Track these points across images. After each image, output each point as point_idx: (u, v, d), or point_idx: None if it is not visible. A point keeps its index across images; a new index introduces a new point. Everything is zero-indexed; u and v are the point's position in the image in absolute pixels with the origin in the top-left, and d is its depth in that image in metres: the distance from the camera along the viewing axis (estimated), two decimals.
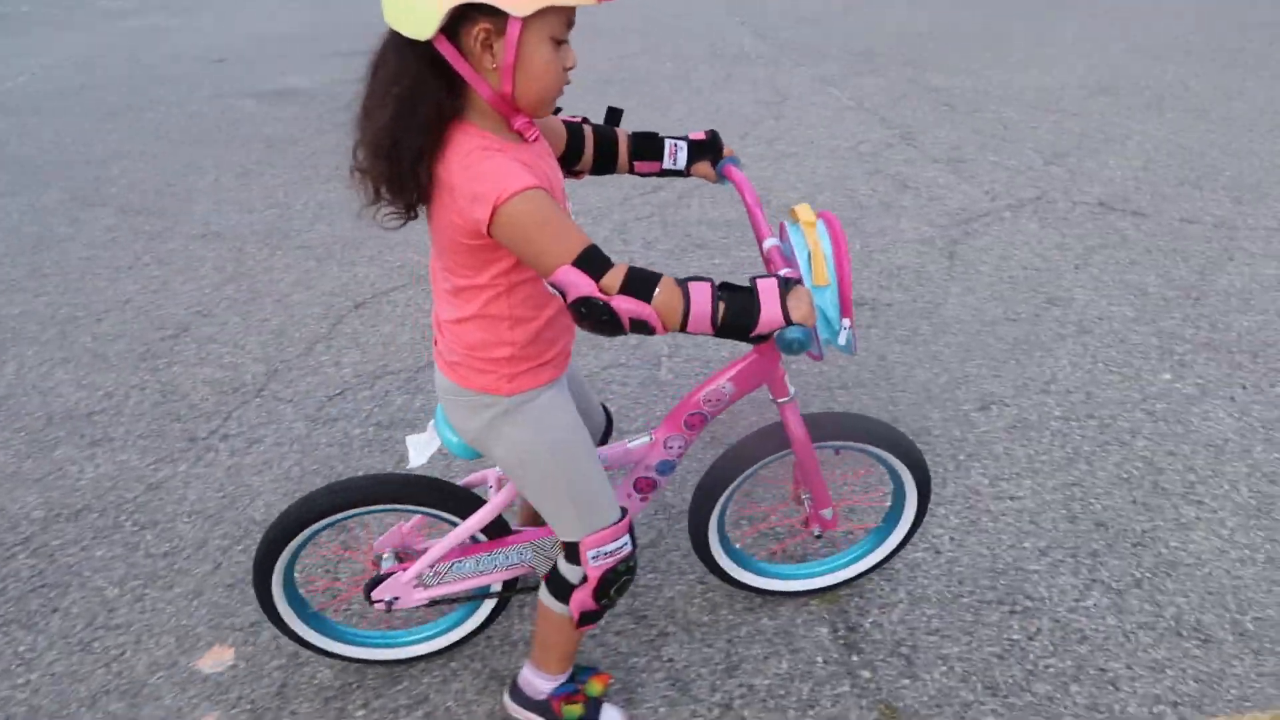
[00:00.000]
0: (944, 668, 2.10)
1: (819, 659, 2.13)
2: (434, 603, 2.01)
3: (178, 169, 5.67)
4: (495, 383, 1.55)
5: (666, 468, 1.87)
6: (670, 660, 2.16)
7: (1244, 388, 2.97)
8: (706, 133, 1.80)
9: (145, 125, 6.53)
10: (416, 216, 1.44)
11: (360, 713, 2.07)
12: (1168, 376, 3.05)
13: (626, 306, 1.29)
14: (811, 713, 2.02)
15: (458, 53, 1.28)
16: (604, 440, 2.00)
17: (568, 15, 1.29)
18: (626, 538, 1.71)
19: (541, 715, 1.95)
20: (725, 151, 1.80)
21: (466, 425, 1.64)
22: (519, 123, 1.37)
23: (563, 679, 1.95)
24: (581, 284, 1.28)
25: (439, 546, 1.89)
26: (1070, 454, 2.72)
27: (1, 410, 3.25)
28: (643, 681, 2.11)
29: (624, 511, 1.73)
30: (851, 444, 1.96)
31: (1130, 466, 2.66)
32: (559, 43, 1.31)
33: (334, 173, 5.45)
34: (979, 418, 2.89)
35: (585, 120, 1.74)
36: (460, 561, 1.92)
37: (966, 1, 8.94)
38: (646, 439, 1.86)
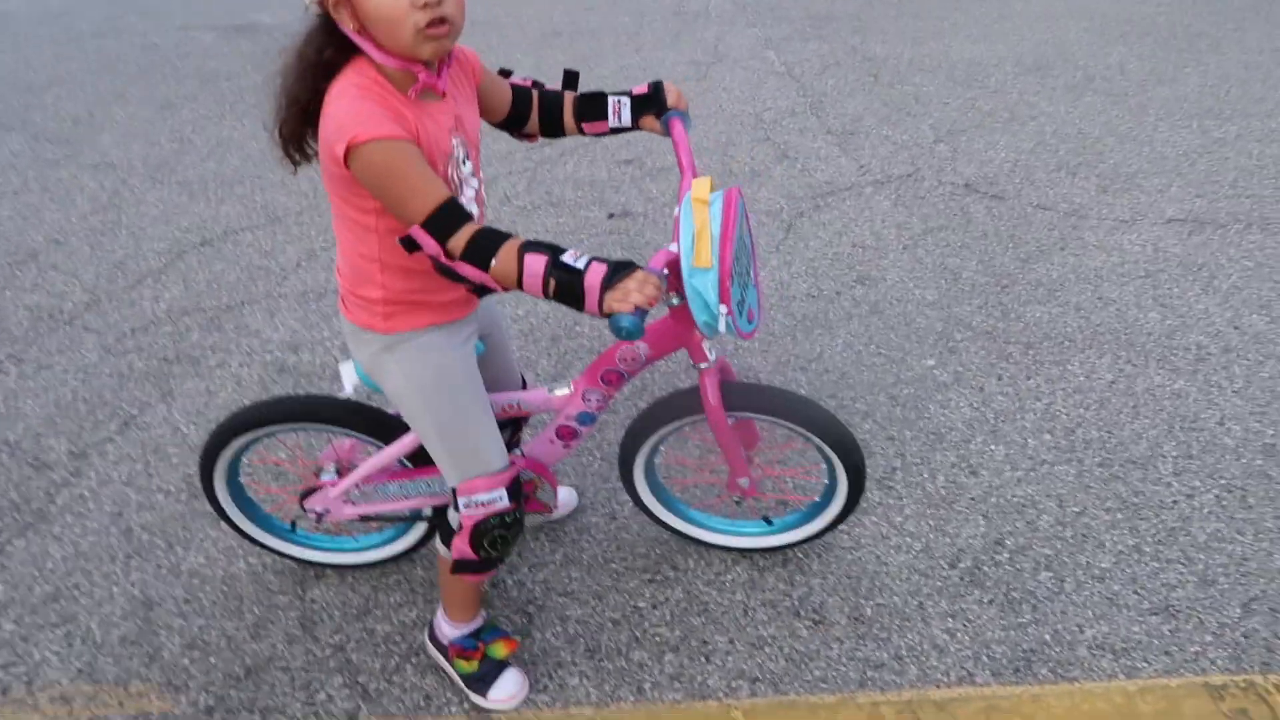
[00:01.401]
0: (558, 628, 2.17)
1: None
2: (365, 519, 2.10)
3: (105, 98, 5.83)
4: (371, 320, 1.62)
5: (587, 419, 1.91)
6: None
7: (999, 379, 2.94)
8: (649, 85, 1.77)
9: (100, 53, 6.70)
10: (308, 160, 1.51)
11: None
12: (930, 363, 3.03)
13: (467, 271, 1.36)
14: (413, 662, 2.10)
15: (333, 7, 1.36)
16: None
17: None
18: (502, 491, 1.71)
19: (444, 658, 2.02)
20: (672, 102, 1.75)
21: (359, 356, 1.71)
22: (422, 75, 1.42)
23: (465, 630, 1.98)
24: (429, 245, 1.35)
25: (363, 468, 1.97)
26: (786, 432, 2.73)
27: None
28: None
29: (509, 467, 1.74)
30: (764, 417, 1.93)
31: None
32: None
33: (251, 109, 5.56)
34: None
35: (535, 84, 1.77)
36: (385, 485, 2.01)
37: None
38: (567, 389, 1.89)
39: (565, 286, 1.34)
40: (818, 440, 1.96)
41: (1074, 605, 2.17)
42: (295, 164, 1.53)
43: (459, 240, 1.36)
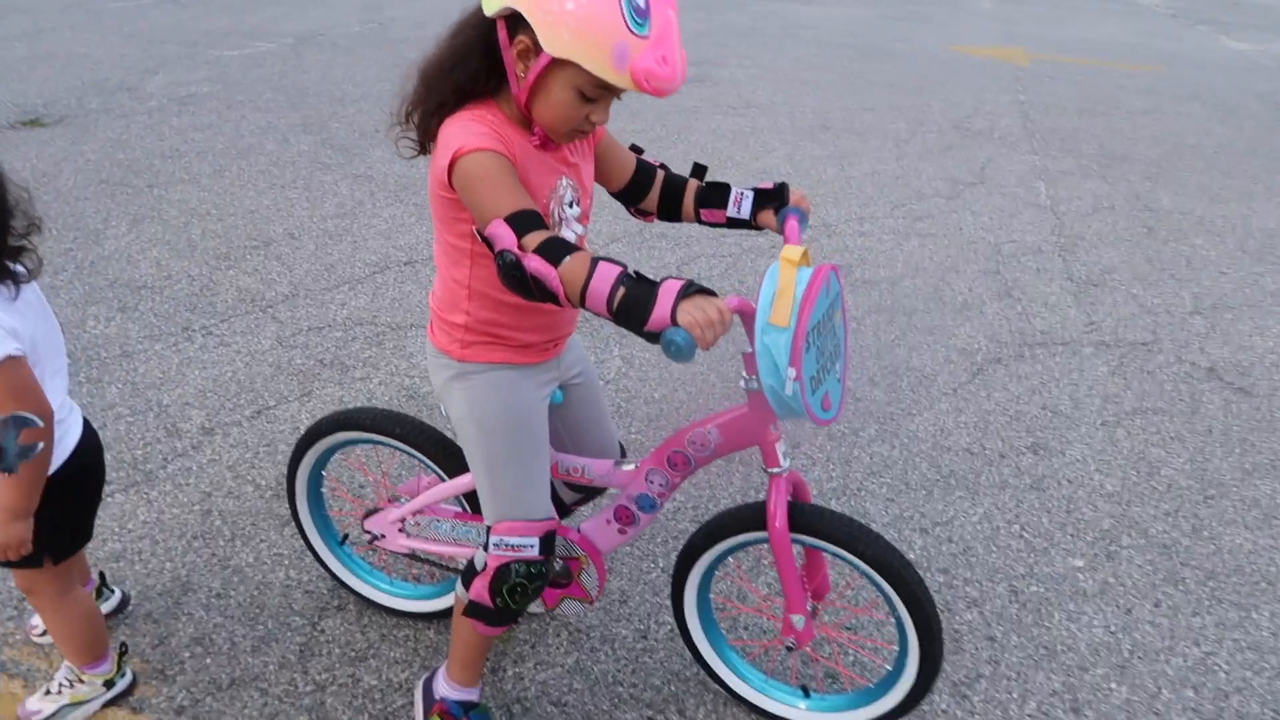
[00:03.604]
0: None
1: None
2: (414, 557, 2.15)
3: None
4: (449, 344, 1.68)
5: (647, 503, 1.81)
6: None
7: (1156, 605, 2.44)
8: (774, 183, 1.76)
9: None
10: (427, 153, 1.58)
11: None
12: (1078, 563, 2.57)
13: (534, 264, 1.33)
14: None
15: (509, 45, 1.43)
16: None
17: (596, 79, 1.38)
18: (535, 540, 1.69)
19: (424, 711, 1.95)
20: (794, 201, 1.74)
21: (434, 379, 1.76)
22: (537, 131, 1.50)
23: (460, 695, 1.91)
24: (505, 237, 1.35)
25: (423, 497, 2.03)
26: (868, 596, 2.42)
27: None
28: None
29: (550, 520, 1.74)
30: (831, 547, 1.74)
31: None
32: (588, 98, 1.42)
33: None
34: None
35: (663, 166, 1.83)
36: (439, 522, 2.03)
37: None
38: (632, 466, 1.83)
39: (633, 298, 1.30)
40: (888, 589, 1.71)
41: None
42: (418, 151, 1.59)
43: (534, 238, 1.35)
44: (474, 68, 1.47)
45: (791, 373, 1.44)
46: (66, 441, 1.71)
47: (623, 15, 1.34)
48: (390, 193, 5.07)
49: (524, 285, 1.35)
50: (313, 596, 2.32)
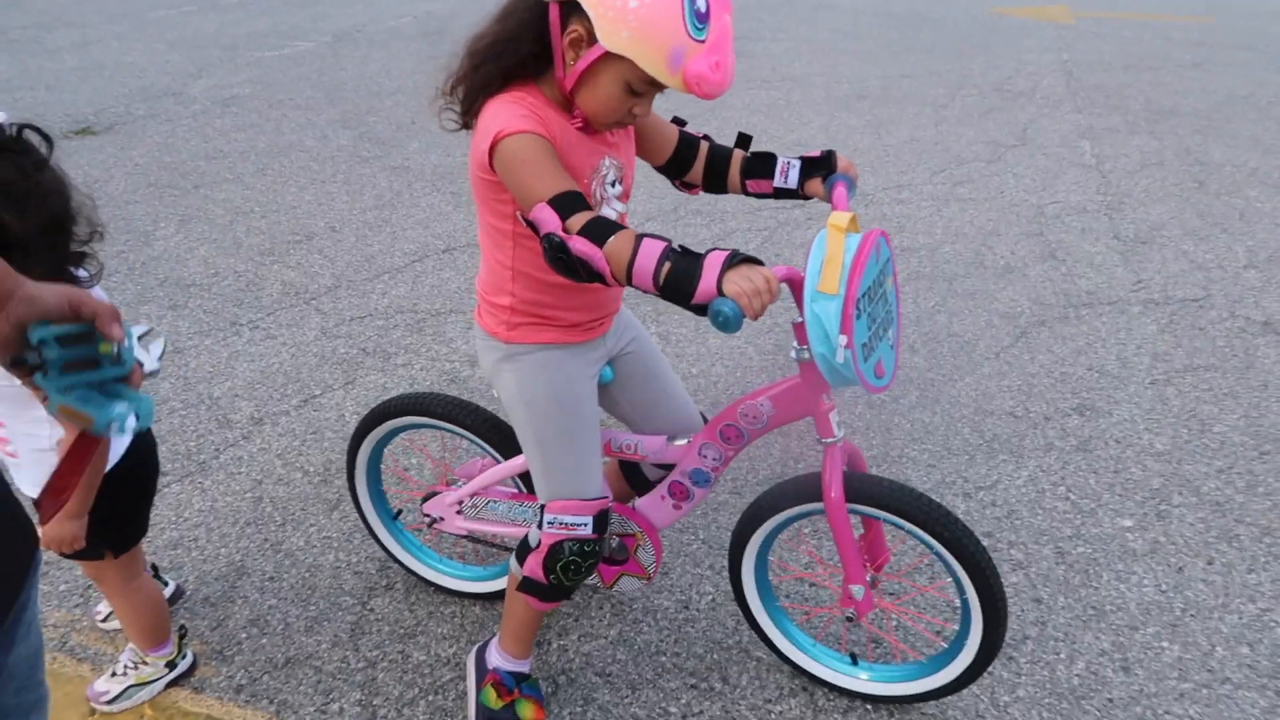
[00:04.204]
0: (579, 709, 2.04)
1: None
2: (471, 538, 2.21)
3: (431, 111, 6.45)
4: (496, 327, 1.69)
5: (701, 478, 1.83)
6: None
7: (1209, 563, 2.39)
8: (822, 151, 1.75)
9: (447, 67, 7.45)
10: (470, 128, 1.57)
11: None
12: (1127, 523, 2.53)
13: (579, 246, 1.33)
14: None
15: (560, 31, 1.44)
16: None
17: (647, 76, 1.39)
18: (588, 519, 1.71)
19: (476, 681, 1.99)
20: (841, 167, 1.72)
21: (483, 361, 1.78)
22: (577, 114, 1.51)
23: (511, 665, 1.94)
24: (550, 220, 1.36)
25: (480, 478, 2.05)
26: (928, 569, 2.41)
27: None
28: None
29: (603, 499, 1.75)
30: (887, 515, 1.72)
31: None
32: (635, 92, 1.44)
33: None
34: None
35: (706, 137, 1.82)
36: (496, 503, 2.06)
37: None
38: (685, 441, 1.83)
39: (679, 272, 1.30)
40: (949, 557, 1.70)
41: None
42: (456, 123, 1.59)
43: (578, 219, 1.35)
44: (524, 51, 1.47)
45: (843, 340, 1.43)
46: (121, 439, 1.77)
47: (684, 19, 1.34)
48: (428, 182, 5.12)
49: (570, 267, 1.36)
50: (362, 577, 2.38)
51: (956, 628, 1.89)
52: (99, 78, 7.31)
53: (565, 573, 1.73)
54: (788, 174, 1.74)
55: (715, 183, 1.80)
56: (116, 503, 1.74)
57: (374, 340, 3.51)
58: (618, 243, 1.32)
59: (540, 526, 1.74)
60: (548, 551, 1.72)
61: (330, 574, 2.39)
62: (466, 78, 1.53)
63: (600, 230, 1.33)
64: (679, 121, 1.80)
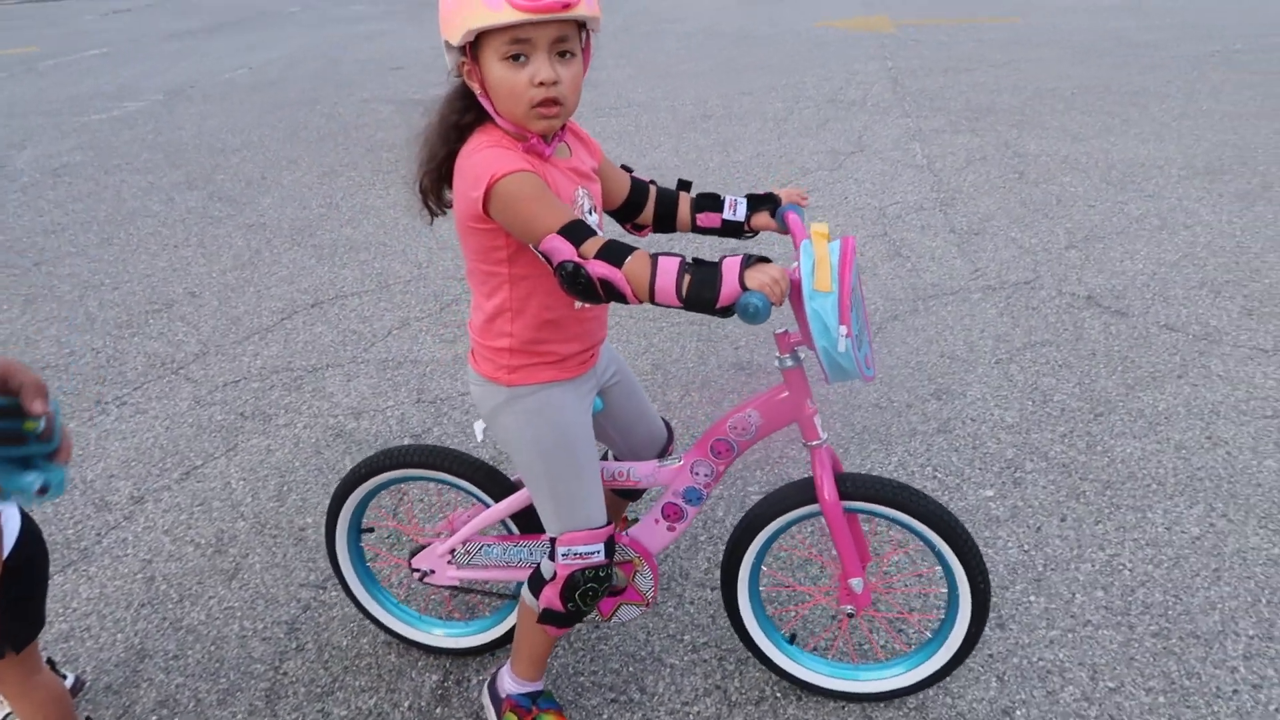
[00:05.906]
0: None
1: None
2: (464, 589, 2.20)
3: (279, 163, 6.37)
4: (496, 372, 1.72)
5: (694, 496, 1.88)
6: None
7: (1062, 520, 2.64)
8: (764, 192, 1.89)
9: (289, 121, 7.36)
10: (443, 213, 1.67)
11: None
12: (988, 493, 2.77)
13: (599, 270, 1.41)
14: None
15: (466, 73, 1.53)
16: (662, 454, 2.07)
17: (509, 34, 1.43)
18: (600, 546, 1.77)
19: (495, 713, 2.03)
20: (787, 198, 1.86)
21: (481, 408, 1.79)
22: (532, 139, 1.55)
23: (525, 688, 2.00)
24: (564, 249, 1.43)
25: (470, 525, 2.05)
26: (902, 564, 2.56)
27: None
28: None
29: (608, 523, 1.81)
30: (882, 509, 1.83)
31: None
32: (515, 59, 1.46)
33: (402, 178, 5.92)
34: None
35: (652, 182, 1.92)
36: (489, 546, 2.05)
37: (1140, 60, 8.16)
38: (677, 462, 1.89)
39: (700, 282, 1.41)
40: (940, 543, 1.82)
41: None
42: (433, 215, 1.68)
43: (592, 244, 1.43)
44: (459, 105, 1.56)
45: (843, 330, 1.52)
46: (9, 529, 1.73)
47: None
48: (286, 237, 5.06)
49: (590, 290, 1.44)
50: (270, 643, 2.36)
51: (942, 616, 2.00)
52: None
53: (584, 599, 1.79)
54: (735, 208, 1.87)
55: (665, 223, 1.91)
56: (13, 597, 1.71)
57: (251, 403, 3.46)
58: (635, 264, 1.42)
59: (553, 559, 1.79)
60: (565, 582, 1.77)
61: (237, 644, 2.37)
62: (426, 162, 1.61)
63: (616, 253, 1.42)
64: (626, 169, 1.89)
